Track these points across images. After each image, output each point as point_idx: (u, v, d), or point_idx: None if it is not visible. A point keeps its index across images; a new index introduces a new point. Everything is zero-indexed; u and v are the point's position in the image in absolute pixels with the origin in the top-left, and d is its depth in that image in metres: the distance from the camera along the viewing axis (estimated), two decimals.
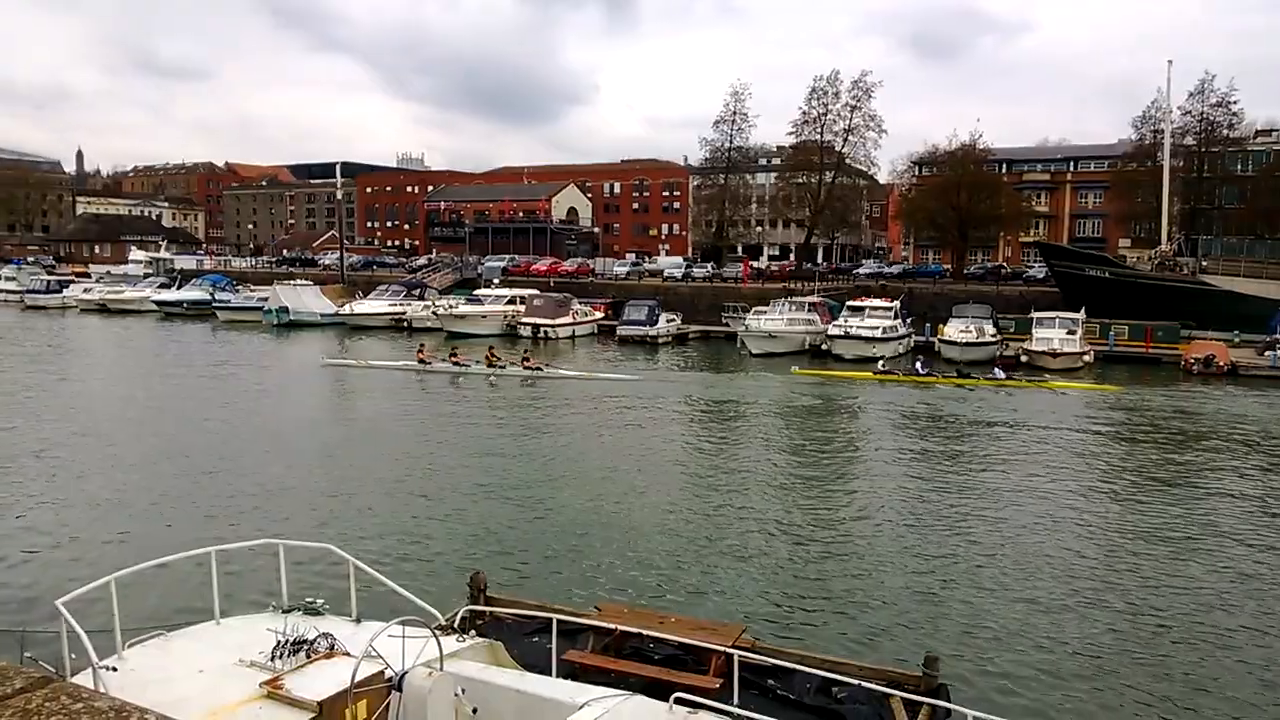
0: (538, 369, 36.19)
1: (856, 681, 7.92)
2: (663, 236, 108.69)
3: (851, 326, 44.31)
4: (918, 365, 38.56)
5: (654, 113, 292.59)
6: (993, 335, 44.57)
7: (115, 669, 6.05)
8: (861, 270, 77.79)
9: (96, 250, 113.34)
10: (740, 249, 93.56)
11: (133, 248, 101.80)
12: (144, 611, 8.25)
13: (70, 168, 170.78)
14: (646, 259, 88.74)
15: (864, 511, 17.84)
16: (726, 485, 19.77)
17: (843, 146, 75.32)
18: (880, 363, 39.65)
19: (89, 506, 16.83)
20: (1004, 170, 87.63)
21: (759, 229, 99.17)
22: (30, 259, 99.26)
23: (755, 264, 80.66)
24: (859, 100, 73.74)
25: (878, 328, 43.99)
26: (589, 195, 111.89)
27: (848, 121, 74.38)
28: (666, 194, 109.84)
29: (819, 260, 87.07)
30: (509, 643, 8.00)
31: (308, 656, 6.20)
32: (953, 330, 44.78)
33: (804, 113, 75.25)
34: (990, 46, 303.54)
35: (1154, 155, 66.93)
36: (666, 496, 18.56)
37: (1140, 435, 26.57)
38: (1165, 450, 24.38)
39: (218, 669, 6.13)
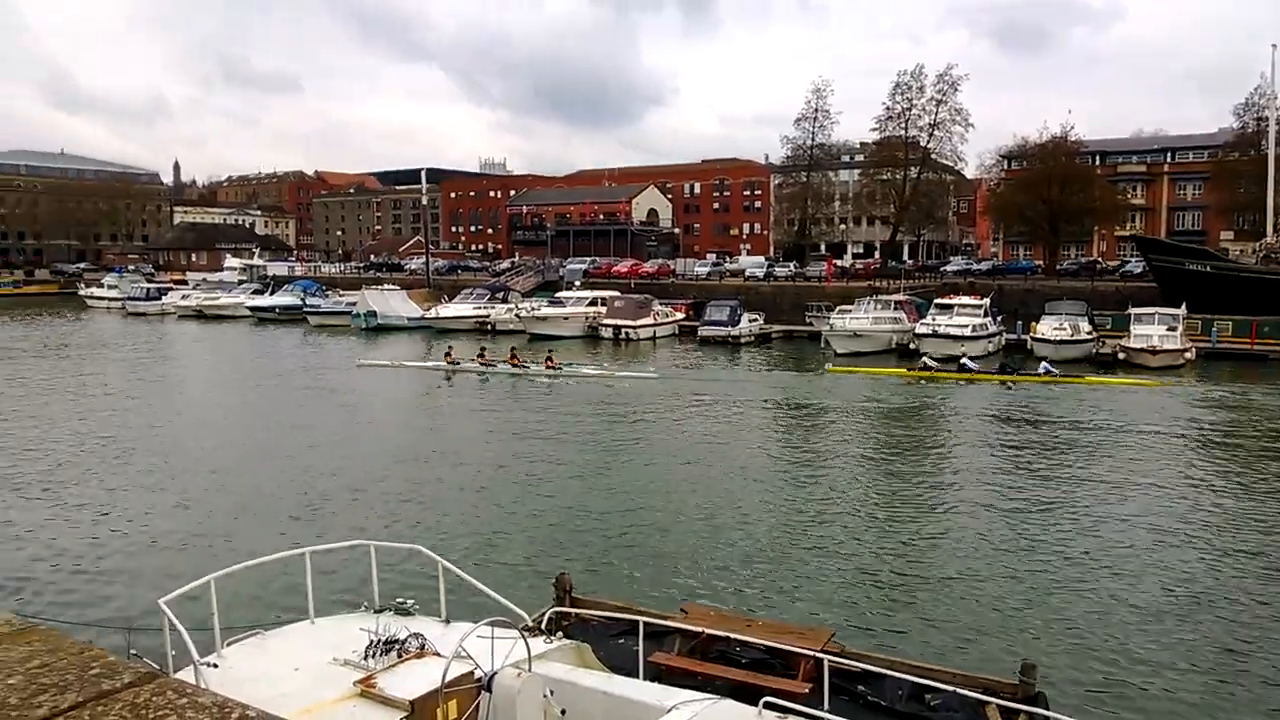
0: (558, 368, 36.78)
1: (950, 688, 7.69)
2: (744, 236, 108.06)
3: (940, 325, 43.22)
4: (966, 361, 37.79)
5: (733, 111, 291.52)
6: (1088, 332, 42.98)
7: (216, 666, 6.22)
8: (949, 267, 75.90)
9: (193, 258, 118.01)
10: (823, 247, 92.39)
11: (227, 255, 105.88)
12: (241, 610, 8.49)
13: (168, 179, 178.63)
14: (728, 259, 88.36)
15: (950, 513, 17.39)
16: (808, 486, 19.49)
17: (928, 142, 73.68)
18: (924, 359, 39.03)
19: (189, 507, 17.50)
20: (1097, 162, 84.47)
21: (842, 227, 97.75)
22: (131, 267, 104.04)
23: (839, 262, 79.58)
24: (945, 94, 72.04)
25: (967, 326, 42.84)
26: (669, 196, 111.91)
27: (933, 116, 72.72)
28: (747, 193, 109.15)
29: (905, 258, 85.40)
30: (595, 644, 7.98)
31: (399, 656, 6.27)
32: (1046, 328, 43.32)
33: (888, 108, 73.92)
34: (1080, 35, 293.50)
35: (1257, 144, 63.90)
36: (746, 498, 18.39)
37: (1243, 435, 25.27)
38: (1270, 451, 23.14)
39: (313, 667, 6.24)
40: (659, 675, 7.98)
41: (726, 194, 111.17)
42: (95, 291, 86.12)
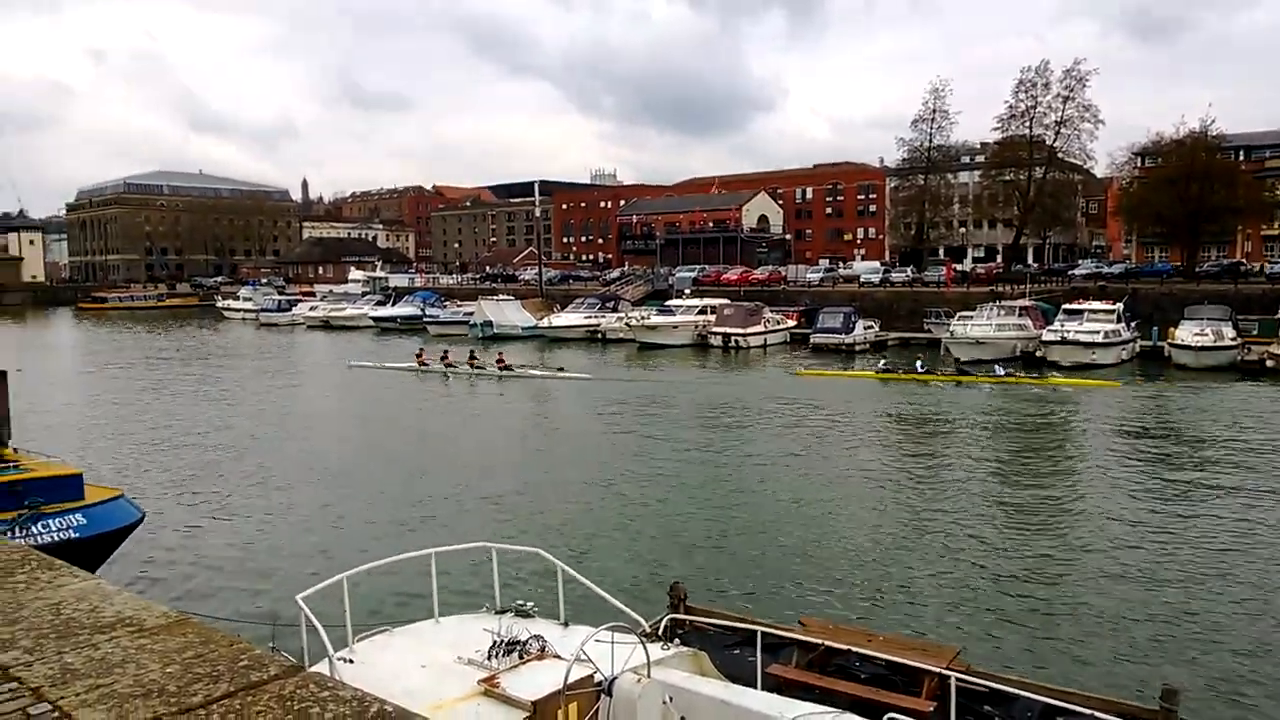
0: (509, 368, 40.00)
1: (1089, 711, 7.32)
2: (858, 241, 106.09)
3: (1069, 331, 41.30)
4: (917, 364, 37.95)
5: (844, 115, 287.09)
6: (1232, 338, 40.36)
7: (350, 661, 6.46)
8: (1078, 271, 72.43)
9: (320, 271, 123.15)
10: (942, 251, 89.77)
11: (352, 268, 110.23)
12: (370, 607, 8.81)
13: (297, 196, 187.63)
14: (841, 264, 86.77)
15: (1080, 526, 16.60)
16: (929, 498, 18.94)
17: (1054, 140, 70.81)
18: (882, 361, 39.26)
19: (321, 509, 18.28)
20: (1241, 157, 79.31)
21: (962, 230, 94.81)
22: (264, 280, 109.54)
23: (959, 266, 77.03)
24: (1072, 90, 69.12)
25: (1098, 332, 40.86)
26: (780, 202, 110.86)
27: (1059, 113, 69.90)
28: (861, 197, 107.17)
29: (1029, 261, 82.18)
30: (710, 653, 7.94)
31: (521, 657, 6.38)
32: (1185, 333, 40.93)
33: (1010, 106, 71.41)
34: (1215, 23, 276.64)
35: None
36: (865, 509, 18.00)
37: None
38: None
39: (438, 665, 6.41)
40: (776, 687, 7.88)
41: (840, 198, 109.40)
42: (231, 304, 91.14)
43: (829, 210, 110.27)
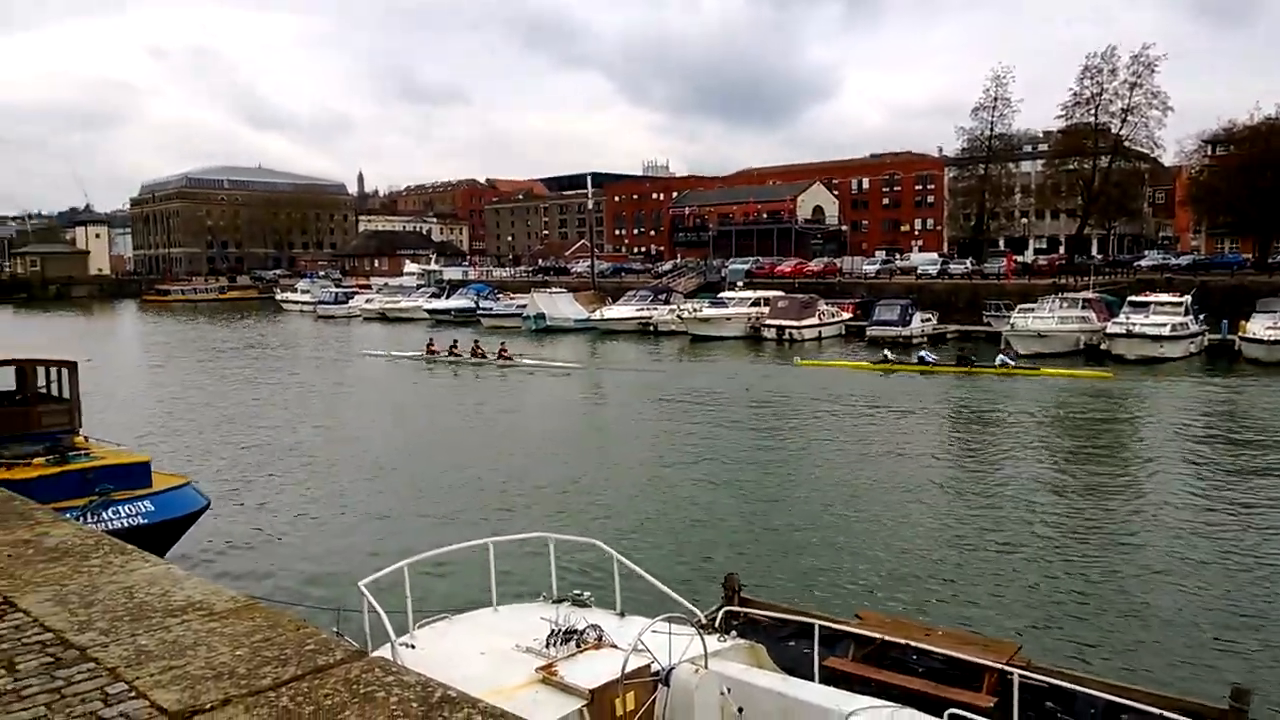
0: (509, 359, 41.36)
1: (1154, 710, 7.14)
2: (915, 232, 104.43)
3: (1134, 324, 40.18)
4: (924, 354, 38.55)
5: (901, 103, 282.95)
6: None
7: (412, 646, 6.55)
8: (1144, 262, 70.51)
9: (376, 264, 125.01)
10: (1002, 242, 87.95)
11: (407, 261, 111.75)
12: (429, 594, 8.93)
13: (353, 189, 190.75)
14: (898, 256, 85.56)
15: (1143, 521, 16.19)
16: (984, 490, 18.67)
17: (1121, 128, 68.74)
18: (884, 352, 39.54)
19: (377, 497, 18.60)
20: None
21: (1024, 220, 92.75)
22: (321, 273, 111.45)
23: (1020, 258, 75.53)
24: (1139, 76, 66.99)
25: (1165, 325, 39.68)
26: (835, 193, 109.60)
27: (1126, 100, 67.78)
28: (919, 187, 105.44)
29: (1093, 252, 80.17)
30: (766, 646, 7.91)
31: (578, 646, 6.41)
32: (1258, 327, 39.56)
33: (1075, 94, 69.39)
34: None
35: None
36: (919, 502, 17.78)
37: None
38: None
39: (497, 653, 6.47)
40: (833, 680, 7.84)
41: (897, 189, 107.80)
42: (290, 296, 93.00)
43: (886, 201, 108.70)
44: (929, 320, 49.93)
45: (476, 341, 44.60)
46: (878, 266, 73.31)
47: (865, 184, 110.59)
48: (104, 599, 4.14)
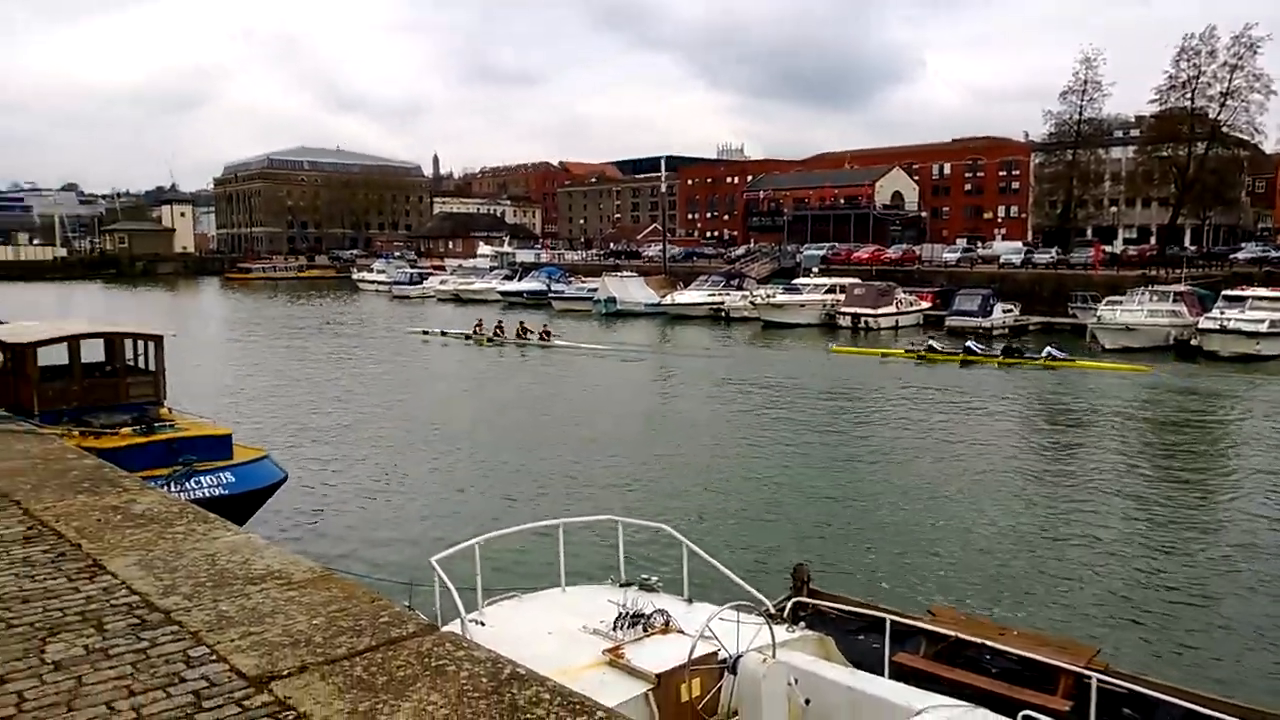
0: (549, 339, 42.72)
1: None
2: (999, 220, 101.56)
3: (1229, 319, 38.38)
4: (970, 344, 38.06)
5: (985, 86, 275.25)
6: None
7: (482, 623, 6.63)
8: (1240, 254, 67.29)
9: (450, 245, 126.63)
10: (1090, 231, 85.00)
11: (480, 243, 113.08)
12: (498, 572, 9.03)
13: (428, 171, 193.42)
14: (980, 244, 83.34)
15: (1230, 525, 15.55)
16: (1062, 487, 18.14)
17: (1219, 113, 65.75)
18: (928, 341, 39.05)
19: (448, 474, 18.92)
20: None
21: (1113, 209, 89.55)
22: (397, 254, 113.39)
23: (1108, 248, 72.76)
24: (1240, 58, 63.89)
25: (1262, 321, 37.86)
26: (915, 178, 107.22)
27: (1225, 84, 64.76)
28: (1003, 173, 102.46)
29: (1186, 243, 77.06)
30: (835, 638, 7.81)
31: (645, 630, 6.41)
32: None
33: (1170, 76, 66.54)
34: None
35: None
36: (994, 496, 17.36)
37: None
38: None
39: (564, 633, 6.51)
40: (903, 676, 7.70)
41: (980, 174, 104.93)
42: (366, 276, 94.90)
43: (968, 187, 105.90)
44: (1010, 311, 48.55)
45: (521, 322, 45.88)
46: (958, 254, 71.36)
47: (947, 169, 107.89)
48: (187, 565, 4.26)
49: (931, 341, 38.98)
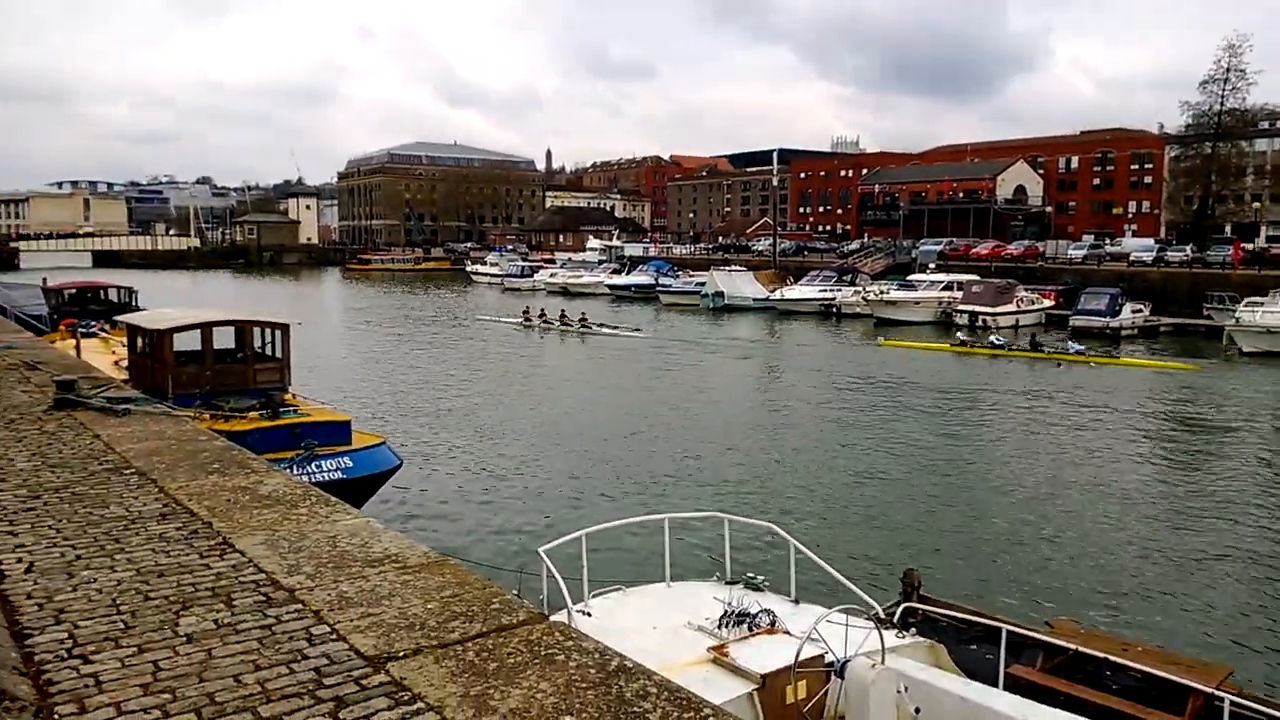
0: (588, 326, 45.51)
1: None
2: (1129, 215, 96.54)
3: None
4: (994, 339, 39.26)
5: (1115, 76, 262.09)
6: None
7: (589, 614, 6.69)
8: None
9: (560, 239, 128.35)
10: (1229, 229, 79.95)
11: (590, 237, 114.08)
12: (604, 564, 9.10)
13: (541, 165, 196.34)
14: (1108, 241, 79.43)
15: None
16: (1193, 497, 17.15)
17: None
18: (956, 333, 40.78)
19: (555, 465, 19.16)
20: None
21: (1255, 205, 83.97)
22: (510, 247, 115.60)
23: (1249, 246, 68.35)
24: None
25: None
26: (1040, 171, 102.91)
27: None
28: (1135, 167, 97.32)
29: None
30: (946, 646, 7.57)
31: (750, 630, 6.35)
32: None
33: None
34: None
35: None
36: (1117, 505, 16.56)
37: None
38: None
39: (669, 629, 6.51)
40: (1017, 689, 7.40)
41: (1109, 168, 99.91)
42: (479, 268, 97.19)
43: (1096, 181, 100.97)
44: (1140, 311, 46.16)
45: (563, 311, 49.02)
46: (1085, 251, 68.22)
47: (1074, 162, 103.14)
48: (310, 546, 4.42)
49: (962, 335, 41.25)
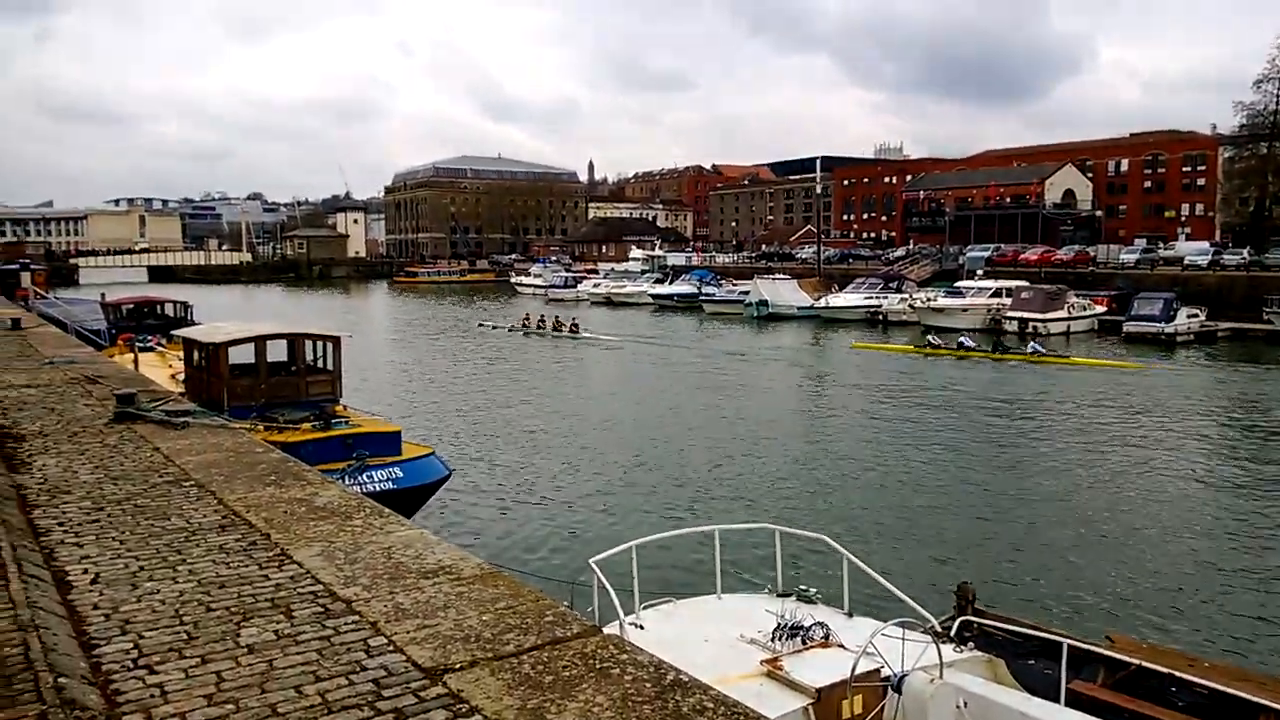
0: (576, 331, 48.31)
1: None
2: (1182, 218, 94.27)
3: None
4: (963, 340, 39.99)
5: (1162, 77, 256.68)
6: None
7: (641, 627, 6.65)
8: None
9: (603, 249, 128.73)
10: None
11: (632, 247, 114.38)
12: (654, 576, 9.05)
13: (583, 177, 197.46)
14: (1161, 245, 77.67)
15: None
16: (1257, 505, 16.57)
17: None
18: (928, 337, 41.46)
19: (602, 475, 19.13)
20: None
21: None
22: (553, 258, 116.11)
23: None
24: None
25: None
26: (1089, 175, 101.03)
27: None
28: (1187, 169, 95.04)
29: None
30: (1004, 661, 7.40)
31: (804, 643, 6.27)
32: None
33: None
34: None
35: None
36: (1178, 514, 16.10)
37: None
38: None
39: (721, 641, 6.44)
40: (1079, 705, 7.20)
41: (1161, 170, 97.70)
42: (523, 280, 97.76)
43: (1147, 184, 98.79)
44: (1196, 316, 45.00)
45: (557, 316, 52.17)
46: (1137, 256, 66.70)
47: (1124, 165, 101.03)
48: (365, 557, 4.45)
49: (931, 338, 41.63)
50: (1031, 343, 39.64)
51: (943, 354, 39.33)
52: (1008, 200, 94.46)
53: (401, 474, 14.25)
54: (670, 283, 75.24)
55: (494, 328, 53.78)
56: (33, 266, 49.58)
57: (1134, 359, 37.03)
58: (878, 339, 47.81)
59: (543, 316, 52.69)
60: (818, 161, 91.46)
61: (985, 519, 15.97)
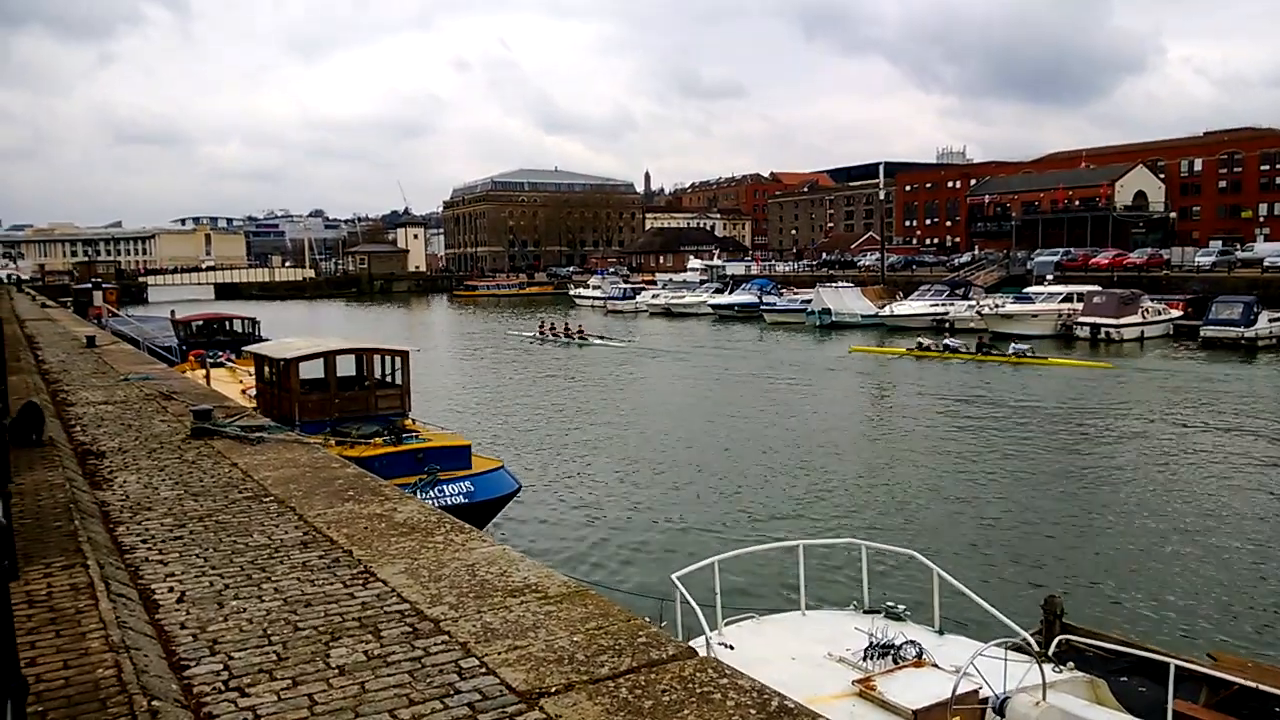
0: (585, 338, 50.78)
1: None
2: (1261, 219, 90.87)
3: None
4: (948, 342, 40.87)
5: (1235, 74, 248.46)
6: None
7: (730, 646, 6.46)
8: None
9: (661, 260, 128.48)
10: None
11: (691, 257, 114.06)
12: (735, 591, 8.84)
13: (640, 188, 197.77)
14: (1239, 246, 74.96)
15: None
16: None
17: None
18: (918, 340, 42.03)
19: (672, 486, 18.95)
20: None
21: None
22: (611, 270, 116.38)
23: None
24: None
25: None
26: (1161, 176, 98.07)
27: None
28: (1265, 168, 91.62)
29: None
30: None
31: (895, 662, 6.02)
32: None
33: None
34: None
35: None
36: (1267, 523, 15.34)
37: None
38: None
39: (809, 659, 6.22)
40: None
41: (1237, 170, 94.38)
42: (582, 291, 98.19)
43: (1223, 184, 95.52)
44: (1278, 320, 43.29)
45: (567, 323, 54.96)
46: (1214, 258, 64.41)
47: (1197, 165, 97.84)
48: (450, 574, 4.35)
49: (921, 340, 42.32)
50: (1013, 345, 39.69)
51: (932, 356, 40.34)
52: (1076, 203, 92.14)
53: (473, 488, 14.26)
54: (730, 292, 74.75)
55: (520, 336, 56.61)
56: (104, 285, 51.34)
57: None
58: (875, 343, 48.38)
59: (553, 324, 55.06)
60: (881, 167, 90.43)
61: (1065, 529, 15.44)
